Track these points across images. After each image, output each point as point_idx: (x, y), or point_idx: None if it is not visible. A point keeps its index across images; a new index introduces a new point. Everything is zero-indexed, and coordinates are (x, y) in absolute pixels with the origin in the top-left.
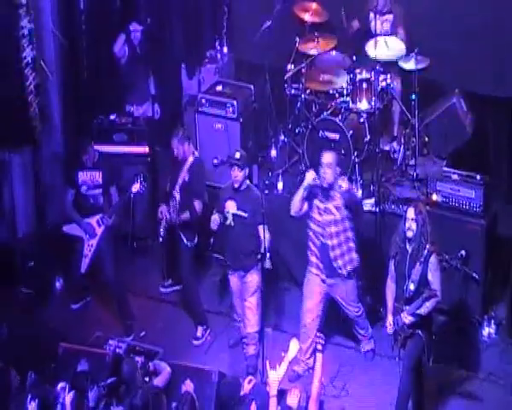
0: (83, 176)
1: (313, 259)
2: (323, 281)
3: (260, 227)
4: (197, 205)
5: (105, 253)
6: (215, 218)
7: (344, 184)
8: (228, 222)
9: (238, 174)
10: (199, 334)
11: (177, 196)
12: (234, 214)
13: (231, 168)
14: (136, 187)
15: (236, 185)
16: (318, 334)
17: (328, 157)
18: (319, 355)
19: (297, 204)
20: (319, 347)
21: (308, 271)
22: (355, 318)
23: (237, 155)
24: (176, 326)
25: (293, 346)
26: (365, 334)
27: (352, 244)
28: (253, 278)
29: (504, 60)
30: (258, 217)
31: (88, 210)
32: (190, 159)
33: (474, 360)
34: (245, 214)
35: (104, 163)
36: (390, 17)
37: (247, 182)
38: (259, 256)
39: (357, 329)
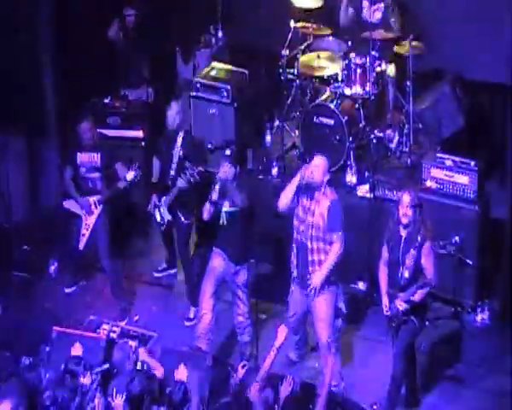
0: (82, 157)
1: (292, 267)
2: (302, 292)
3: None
4: (200, 170)
5: (100, 234)
6: (207, 208)
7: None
8: (221, 222)
9: (227, 170)
10: (191, 315)
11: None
12: (226, 212)
13: (221, 164)
14: (130, 175)
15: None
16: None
17: (318, 160)
18: (329, 358)
19: (287, 199)
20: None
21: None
22: (323, 348)
23: (228, 152)
24: (170, 310)
25: (281, 333)
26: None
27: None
28: (245, 272)
29: (500, 45)
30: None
31: (86, 193)
32: (181, 134)
33: (467, 346)
34: (237, 208)
35: (103, 145)
36: (381, 6)
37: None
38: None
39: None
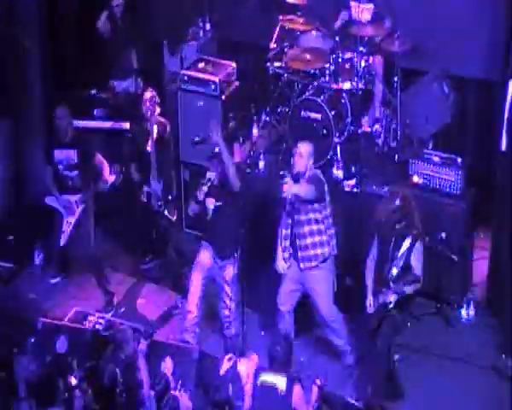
0: (58, 153)
1: (286, 243)
2: (298, 267)
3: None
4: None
5: (84, 228)
6: (193, 207)
7: None
8: (208, 218)
9: (217, 168)
10: (178, 304)
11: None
12: (212, 208)
13: (211, 163)
14: (111, 178)
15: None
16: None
17: (302, 147)
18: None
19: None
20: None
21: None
22: (329, 322)
23: (217, 149)
24: (157, 302)
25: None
26: (344, 347)
27: (322, 237)
28: (232, 268)
29: (487, 41)
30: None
31: (67, 189)
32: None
33: (452, 342)
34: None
35: (80, 141)
36: (369, 6)
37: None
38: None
39: (335, 339)
